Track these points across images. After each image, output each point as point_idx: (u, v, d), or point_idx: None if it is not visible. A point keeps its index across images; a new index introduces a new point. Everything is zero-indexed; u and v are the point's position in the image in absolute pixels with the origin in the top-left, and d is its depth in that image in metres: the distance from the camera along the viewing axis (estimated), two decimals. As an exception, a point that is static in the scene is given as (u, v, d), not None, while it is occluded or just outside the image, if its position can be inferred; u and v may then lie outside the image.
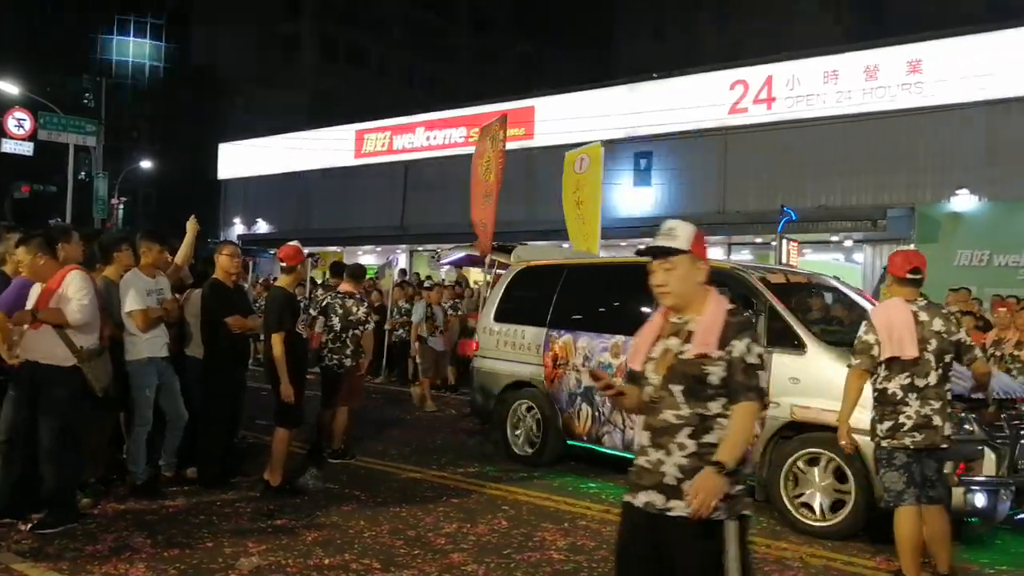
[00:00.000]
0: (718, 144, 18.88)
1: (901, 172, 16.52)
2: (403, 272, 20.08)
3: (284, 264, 6.63)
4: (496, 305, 8.53)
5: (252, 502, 6.07)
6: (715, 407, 2.86)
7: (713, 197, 18.68)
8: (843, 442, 4.86)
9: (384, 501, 6.32)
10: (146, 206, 50.62)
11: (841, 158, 17.10)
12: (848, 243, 17.16)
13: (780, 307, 6.44)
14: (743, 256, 18.46)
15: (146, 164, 40.34)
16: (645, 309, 6.82)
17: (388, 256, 25.21)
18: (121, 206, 30.13)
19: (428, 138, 24.72)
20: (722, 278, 7.08)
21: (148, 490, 6.03)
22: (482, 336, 8.66)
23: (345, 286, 8.07)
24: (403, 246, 25.06)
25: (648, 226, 17.52)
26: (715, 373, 2.84)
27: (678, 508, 2.78)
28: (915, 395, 4.64)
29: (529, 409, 7.95)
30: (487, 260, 10.96)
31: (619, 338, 7.15)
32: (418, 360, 11.92)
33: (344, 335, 7.70)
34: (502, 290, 8.55)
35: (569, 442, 7.66)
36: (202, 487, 6.32)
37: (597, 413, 7.30)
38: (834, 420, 5.08)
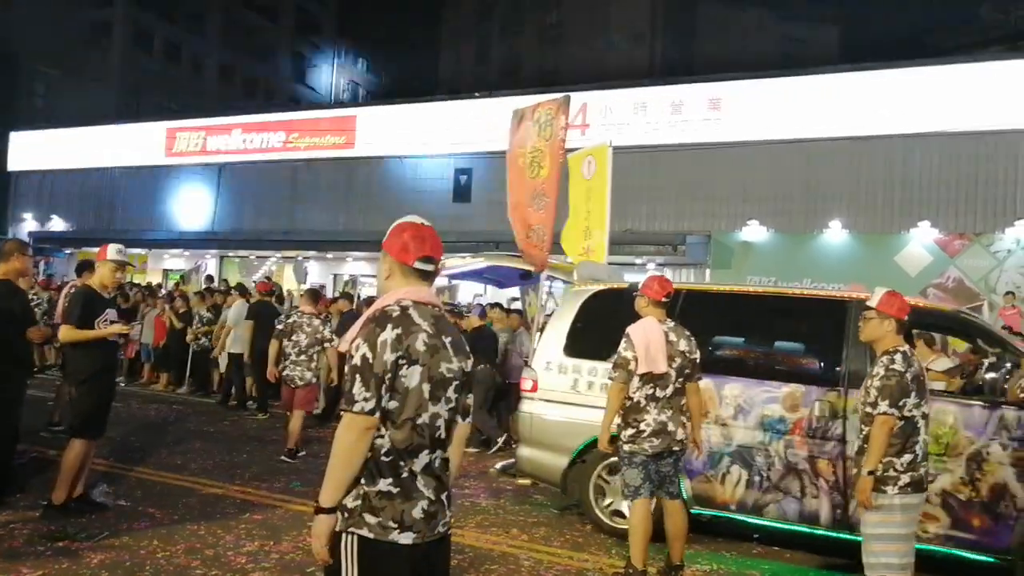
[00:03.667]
0: (536, 165, 19.44)
1: (699, 201, 17.72)
2: (210, 278, 19.26)
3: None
4: (565, 335, 6.82)
5: (30, 523, 5.64)
6: None
7: (530, 216, 19.22)
8: (602, 447, 5.42)
9: (181, 518, 6.07)
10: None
11: (647, 186, 18.10)
12: (651, 266, 18.16)
13: None
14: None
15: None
16: (812, 351, 6.15)
17: (197, 261, 24.11)
18: None
19: (245, 141, 23.91)
20: (945, 322, 6.49)
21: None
22: (546, 375, 6.80)
23: (306, 307, 8.93)
24: (213, 250, 24.05)
25: (467, 241, 17.82)
26: None
27: None
28: (654, 404, 5.19)
29: None
30: (543, 276, 9.49)
31: (795, 387, 5.91)
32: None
33: (310, 351, 8.63)
34: (571, 317, 6.88)
35: (696, 511, 6.19)
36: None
37: (758, 477, 5.99)
38: None
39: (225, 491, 7.03)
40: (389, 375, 2.56)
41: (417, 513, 2.60)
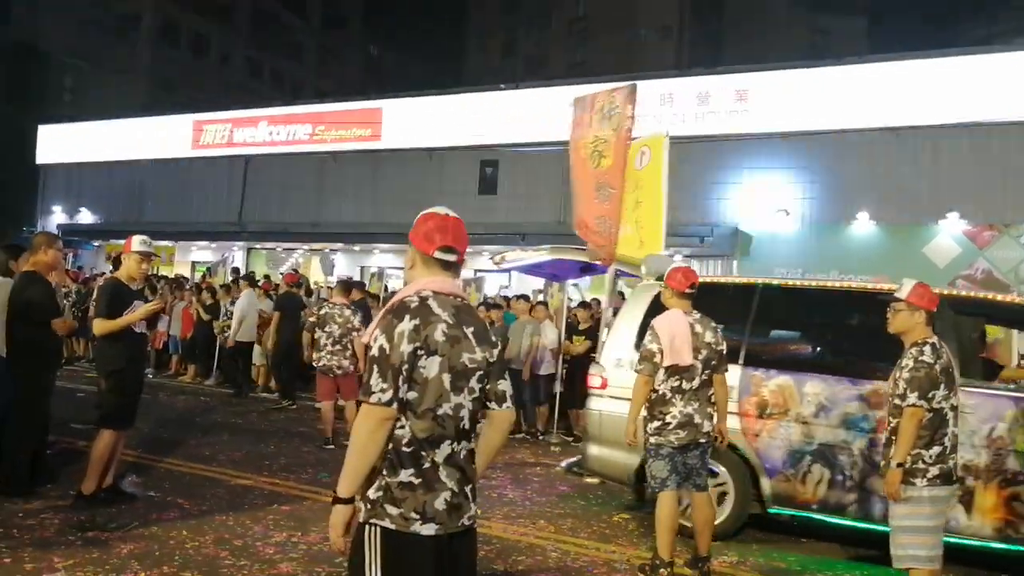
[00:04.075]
0: (563, 157, 19.37)
1: (726, 193, 17.58)
2: (236, 271, 19.36)
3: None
4: (636, 331, 6.55)
5: (61, 512, 5.70)
6: None
7: (555, 208, 19.17)
8: (628, 441, 5.34)
9: (209, 509, 6.12)
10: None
11: (673, 176, 17.94)
12: (677, 257, 18.01)
13: None
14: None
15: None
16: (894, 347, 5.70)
17: (224, 253, 24.27)
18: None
19: (271, 133, 24.03)
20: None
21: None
22: (616, 371, 6.57)
23: (337, 298, 9.22)
24: (240, 243, 24.21)
25: (493, 234, 17.81)
26: None
27: None
28: (680, 396, 5.15)
29: None
30: (610, 269, 9.17)
31: (879, 384, 5.65)
32: None
33: (344, 340, 8.86)
34: (642, 312, 6.63)
35: (774, 510, 6.13)
36: (2, 496, 5.85)
37: (841, 476, 5.85)
38: None
39: (253, 482, 7.08)
40: (407, 366, 2.54)
41: (439, 504, 2.58)
